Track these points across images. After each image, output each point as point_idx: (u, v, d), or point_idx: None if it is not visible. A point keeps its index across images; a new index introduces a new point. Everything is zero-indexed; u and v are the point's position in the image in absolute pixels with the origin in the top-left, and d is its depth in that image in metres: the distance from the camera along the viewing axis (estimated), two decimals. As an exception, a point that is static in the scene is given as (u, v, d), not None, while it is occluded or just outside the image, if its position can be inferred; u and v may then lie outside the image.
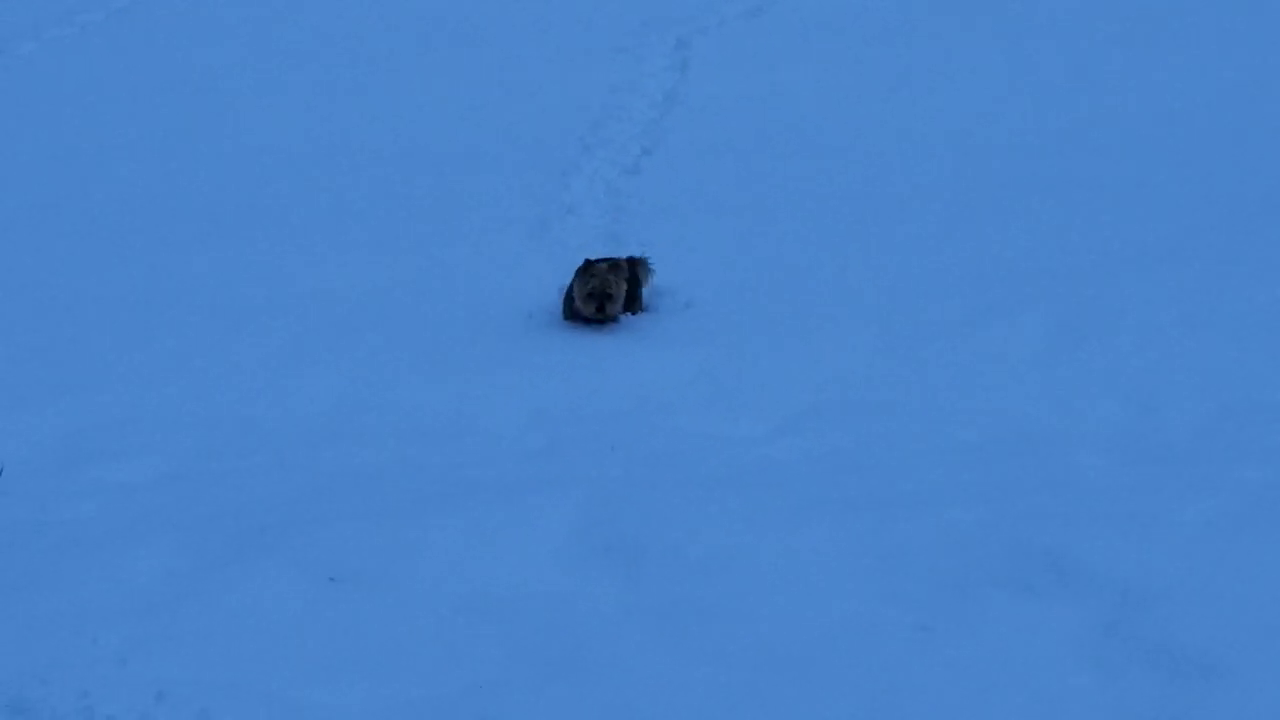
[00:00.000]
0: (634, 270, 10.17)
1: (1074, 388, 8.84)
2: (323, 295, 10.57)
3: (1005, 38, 17.61)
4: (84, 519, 7.45)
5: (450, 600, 6.55)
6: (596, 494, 7.36)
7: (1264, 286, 10.08)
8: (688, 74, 16.70)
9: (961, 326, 9.67)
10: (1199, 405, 8.54)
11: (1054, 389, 8.84)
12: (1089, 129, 14.19)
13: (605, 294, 9.78)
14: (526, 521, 7.07)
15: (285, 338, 9.87)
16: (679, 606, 6.46)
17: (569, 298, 9.91)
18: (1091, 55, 16.74)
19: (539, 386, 9.14)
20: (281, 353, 9.64)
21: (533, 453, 8.27)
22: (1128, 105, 14.89)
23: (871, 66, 16.70)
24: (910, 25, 18.27)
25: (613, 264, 9.91)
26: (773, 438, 8.41)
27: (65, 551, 7.00)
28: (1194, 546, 6.70)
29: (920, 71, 16.46)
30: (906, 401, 8.76)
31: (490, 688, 5.96)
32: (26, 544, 7.12)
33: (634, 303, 10.08)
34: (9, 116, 15.64)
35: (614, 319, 9.88)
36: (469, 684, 5.99)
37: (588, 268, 9.85)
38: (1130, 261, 10.66)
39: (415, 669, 6.10)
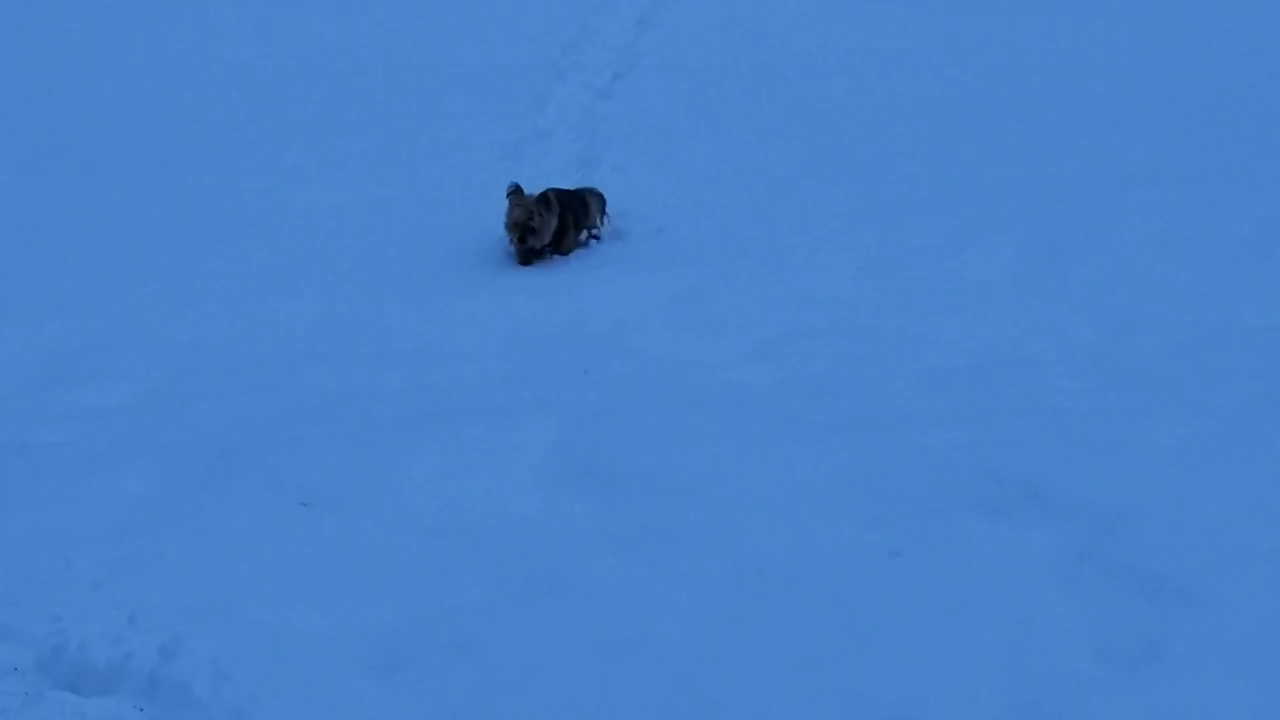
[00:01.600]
0: (585, 202, 10.01)
1: (1049, 312, 8.84)
2: (299, 218, 10.56)
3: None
4: (59, 443, 7.43)
5: (426, 523, 6.55)
6: (572, 418, 7.36)
7: (1239, 210, 10.09)
8: (662, -4, 16.64)
9: (938, 250, 9.67)
10: (1174, 329, 8.55)
11: (1029, 313, 8.85)
12: (1065, 51, 14.16)
13: (527, 226, 9.60)
14: (502, 445, 7.07)
15: (262, 261, 9.85)
16: (655, 530, 6.46)
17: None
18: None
19: (513, 311, 9.12)
20: (258, 276, 9.63)
21: (508, 377, 8.26)
22: (1103, 27, 14.86)
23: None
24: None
25: (544, 197, 9.71)
26: (748, 362, 8.40)
27: (40, 475, 6.98)
28: (1169, 471, 6.72)
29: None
30: (882, 326, 8.76)
31: (466, 610, 5.96)
32: (1, 467, 7.10)
33: (565, 239, 9.86)
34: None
35: (540, 253, 9.69)
36: (445, 606, 5.99)
37: (516, 192, 9.69)
38: (1105, 185, 10.66)
39: (391, 591, 6.09)
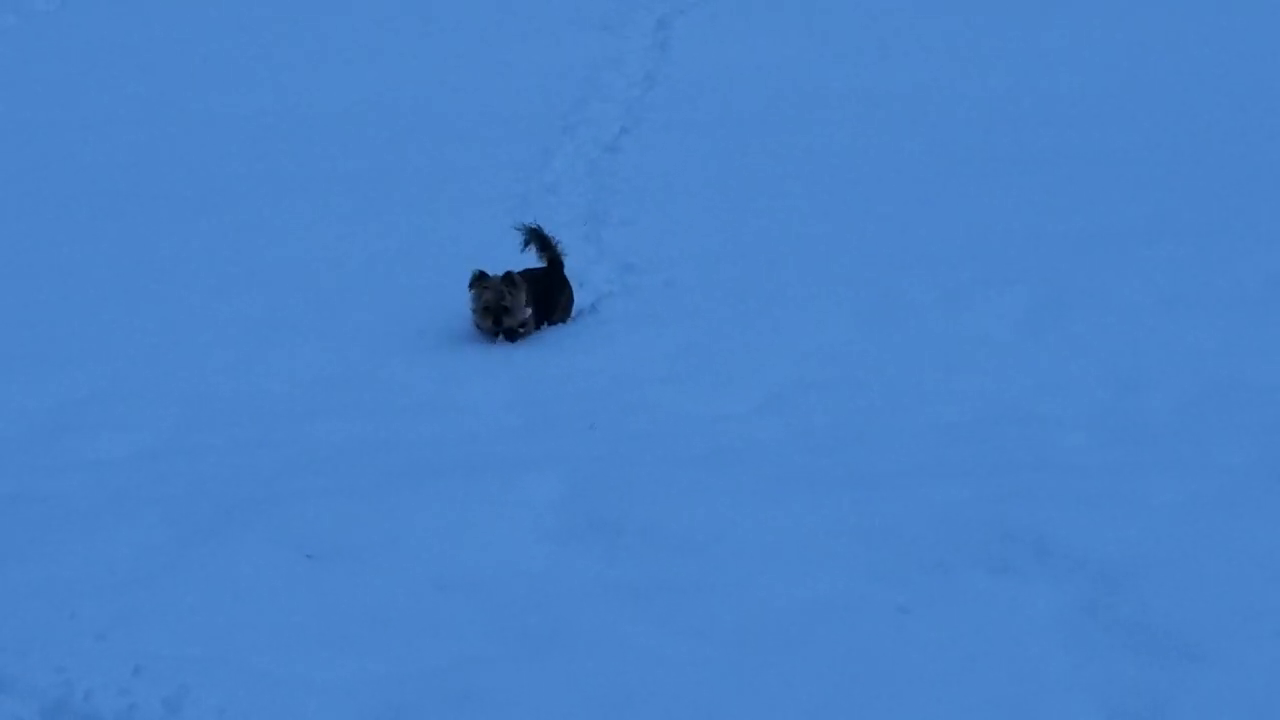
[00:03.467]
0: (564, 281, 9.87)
1: (1055, 366, 8.84)
2: (306, 269, 10.58)
3: (986, 10, 17.62)
4: (65, 493, 7.43)
5: (431, 576, 6.54)
6: (578, 471, 7.36)
7: (1245, 264, 10.09)
8: (669, 53, 16.69)
9: (943, 304, 9.67)
10: (1180, 385, 8.53)
11: (1035, 367, 8.84)
12: (1069, 103, 14.20)
13: (501, 307, 9.41)
14: (508, 498, 7.07)
15: (268, 311, 9.87)
16: (660, 583, 6.46)
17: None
18: (1071, 28, 16.76)
19: (520, 364, 9.12)
20: (264, 327, 9.64)
21: (514, 430, 8.26)
22: (1109, 80, 14.90)
23: (852, 43, 16.71)
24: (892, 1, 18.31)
25: (508, 276, 9.41)
26: (754, 416, 8.40)
27: (45, 525, 6.98)
28: (1175, 527, 6.71)
29: (901, 46, 16.49)
30: (887, 380, 8.76)
31: (470, 663, 5.96)
32: (6, 517, 7.11)
33: (554, 311, 9.68)
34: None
35: (517, 333, 9.45)
36: (449, 659, 5.99)
37: (480, 279, 9.43)
38: (1111, 238, 10.67)
39: (396, 645, 6.09)
